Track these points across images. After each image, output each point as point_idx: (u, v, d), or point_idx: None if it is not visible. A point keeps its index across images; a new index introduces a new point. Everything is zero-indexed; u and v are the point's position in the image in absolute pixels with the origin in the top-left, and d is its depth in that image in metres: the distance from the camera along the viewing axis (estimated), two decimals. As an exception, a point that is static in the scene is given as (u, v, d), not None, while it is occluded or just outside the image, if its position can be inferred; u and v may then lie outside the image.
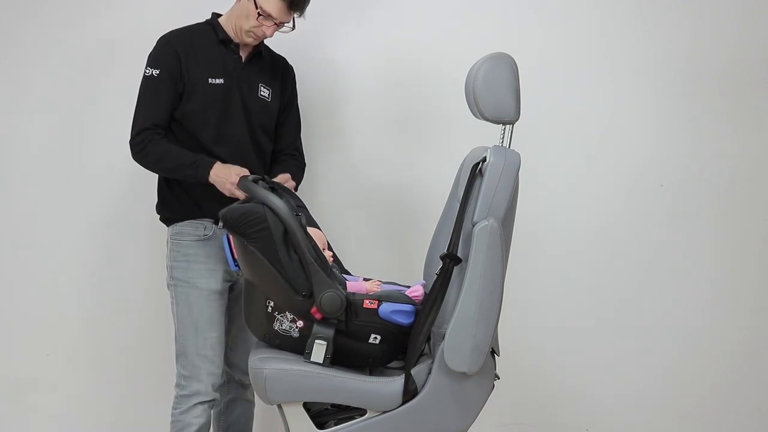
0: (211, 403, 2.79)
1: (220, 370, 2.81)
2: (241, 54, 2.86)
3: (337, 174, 3.37)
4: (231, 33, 2.83)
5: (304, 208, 2.76)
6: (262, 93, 2.88)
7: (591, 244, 3.39)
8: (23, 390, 3.46)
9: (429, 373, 2.46)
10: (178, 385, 2.80)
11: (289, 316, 2.46)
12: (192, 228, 2.81)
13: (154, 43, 2.83)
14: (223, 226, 2.51)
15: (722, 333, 3.42)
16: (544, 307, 3.41)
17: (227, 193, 2.68)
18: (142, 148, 2.74)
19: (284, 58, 3.02)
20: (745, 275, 3.41)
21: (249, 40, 2.80)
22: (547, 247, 3.37)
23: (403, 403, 2.46)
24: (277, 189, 2.68)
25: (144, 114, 2.75)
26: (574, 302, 3.41)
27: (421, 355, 2.51)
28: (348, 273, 2.72)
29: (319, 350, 2.43)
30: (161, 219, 2.90)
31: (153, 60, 2.78)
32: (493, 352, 2.54)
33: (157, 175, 2.88)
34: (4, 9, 3.38)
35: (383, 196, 3.39)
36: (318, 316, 2.42)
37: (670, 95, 3.34)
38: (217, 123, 2.80)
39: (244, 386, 3.00)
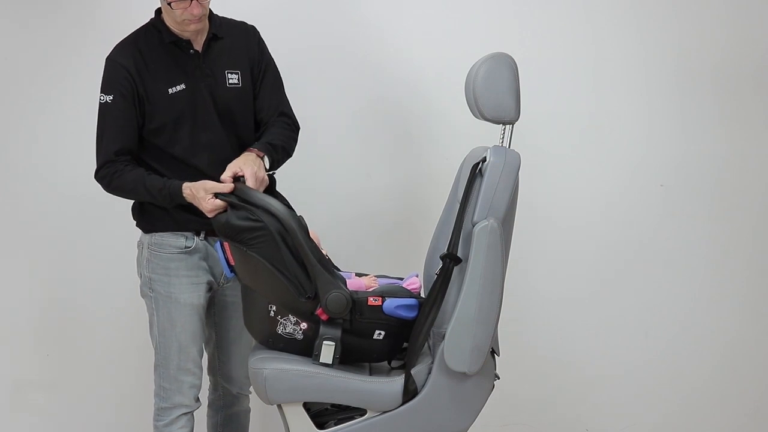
0: (194, 411, 2.71)
1: (201, 379, 2.72)
2: (195, 47, 2.62)
3: (336, 174, 3.37)
4: (176, 30, 2.59)
5: (290, 207, 2.74)
6: (231, 81, 2.65)
7: (591, 244, 3.40)
8: (23, 390, 3.46)
9: (429, 373, 2.46)
10: (157, 395, 2.70)
11: (293, 318, 2.46)
12: (173, 239, 2.64)
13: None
14: (219, 235, 2.50)
15: (722, 332, 3.43)
16: (544, 306, 3.41)
17: (207, 212, 2.49)
18: (108, 183, 2.58)
19: (242, 23, 2.77)
20: (744, 275, 3.41)
21: (190, 29, 2.56)
22: (547, 247, 3.38)
23: (403, 403, 2.46)
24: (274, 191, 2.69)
25: (105, 145, 2.56)
26: (574, 302, 3.41)
27: (421, 354, 2.51)
28: (337, 269, 2.71)
29: (327, 351, 2.43)
30: (138, 225, 2.71)
31: (105, 85, 2.57)
32: (493, 352, 2.55)
33: None
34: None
35: (383, 196, 3.39)
36: (324, 317, 2.42)
37: (669, 95, 3.34)
38: (190, 132, 2.60)
39: (243, 397, 2.92)
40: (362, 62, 3.34)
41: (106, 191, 2.61)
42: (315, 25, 3.31)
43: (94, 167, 2.59)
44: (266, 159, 2.61)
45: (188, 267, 2.64)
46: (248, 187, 2.51)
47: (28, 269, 3.43)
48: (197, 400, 2.71)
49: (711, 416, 3.47)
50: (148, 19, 2.66)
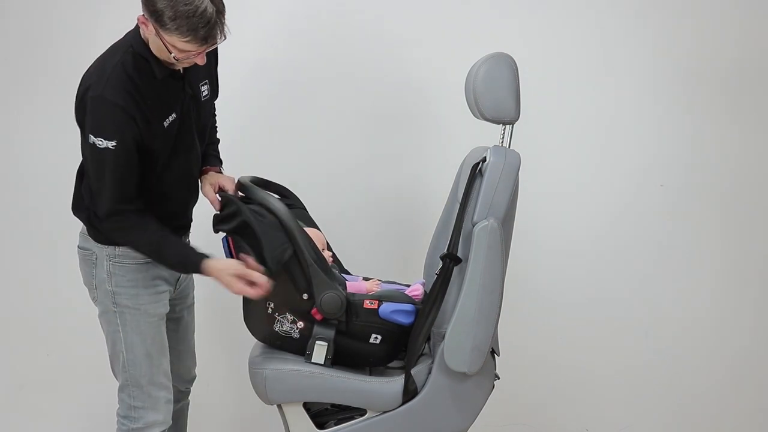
0: (167, 429, 2.61)
1: (173, 394, 2.62)
2: (181, 71, 2.44)
3: (336, 174, 3.37)
4: (166, 60, 2.35)
5: (303, 208, 2.75)
6: (204, 94, 2.53)
7: (591, 244, 3.39)
8: (23, 390, 3.46)
9: (429, 373, 2.46)
10: (127, 417, 2.55)
11: (290, 317, 2.46)
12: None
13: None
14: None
15: (724, 333, 3.43)
16: (544, 307, 3.41)
17: (234, 293, 2.44)
18: (120, 236, 2.42)
19: None
20: (746, 275, 3.41)
21: (183, 66, 2.38)
22: (548, 247, 3.37)
23: (403, 403, 2.46)
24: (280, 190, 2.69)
25: (108, 192, 2.35)
26: (575, 302, 3.41)
27: (421, 355, 2.51)
28: (348, 273, 2.72)
29: (319, 351, 2.44)
30: (91, 235, 2.51)
31: (103, 128, 2.30)
32: (493, 352, 2.55)
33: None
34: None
35: (383, 196, 3.39)
36: (318, 317, 2.42)
37: (670, 95, 3.34)
38: (178, 162, 2.47)
39: (187, 392, 2.84)
40: (362, 62, 3.34)
41: (113, 236, 2.45)
42: (316, 25, 3.31)
43: (99, 213, 2.40)
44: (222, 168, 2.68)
45: (152, 277, 2.52)
46: (252, 185, 2.54)
47: (27, 269, 3.43)
48: (171, 419, 2.60)
49: (711, 417, 3.47)
50: (124, 35, 2.42)
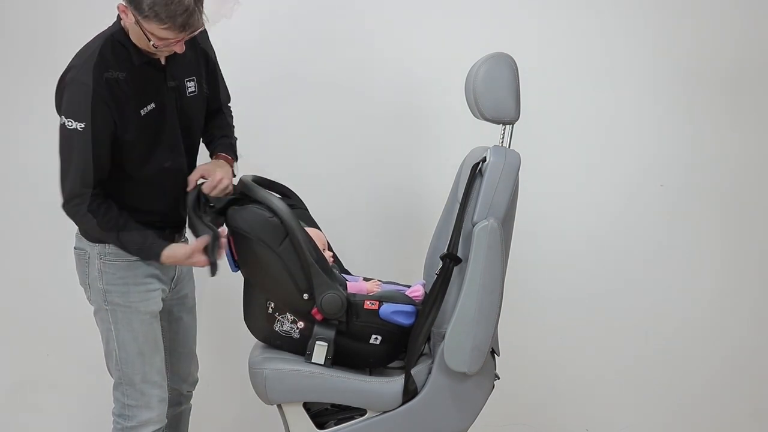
0: (162, 428, 2.62)
1: (167, 393, 2.61)
2: (161, 62, 2.45)
3: (337, 174, 3.37)
4: (145, 49, 2.38)
5: (305, 209, 2.75)
6: (189, 89, 2.52)
7: (591, 244, 3.39)
8: (23, 390, 3.46)
9: (429, 373, 2.46)
10: (121, 416, 2.57)
11: (290, 317, 2.46)
12: None
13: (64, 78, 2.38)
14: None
15: (724, 333, 3.43)
16: (544, 307, 3.41)
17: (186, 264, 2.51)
18: (78, 221, 2.44)
19: None
20: (745, 275, 3.41)
21: (164, 54, 2.41)
22: (547, 247, 3.37)
23: (403, 403, 2.46)
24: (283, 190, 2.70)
25: (73, 176, 2.37)
26: (574, 302, 3.41)
27: (421, 355, 2.51)
28: (348, 273, 2.72)
29: (320, 351, 2.44)
30: (83, 233, 2.54)
31: (73, 110, 2.32)
32: (493, 352, 2.55)
33: None
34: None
35: (383, 196, 3.39)
36: (319, 317, 2.42)
37: (671, 95, 3.34)
38: (159, 153, 2.47)
39: (189, 395, 2.84)
40: (362, 62, 3.34)
41: (74, 219, 2.46)
42: (317, 26, 3.31)
43: (61, 195, 2.43)
44: (235, 165, 2.65)
45: (144, 275, 2.53)
46: (253, 183, 2.53)
47: (27, 268, 3.43)
48: (165, 414, 2.60)
49: (711, 417, 3.47)
50: (107, 27, 2.45)
